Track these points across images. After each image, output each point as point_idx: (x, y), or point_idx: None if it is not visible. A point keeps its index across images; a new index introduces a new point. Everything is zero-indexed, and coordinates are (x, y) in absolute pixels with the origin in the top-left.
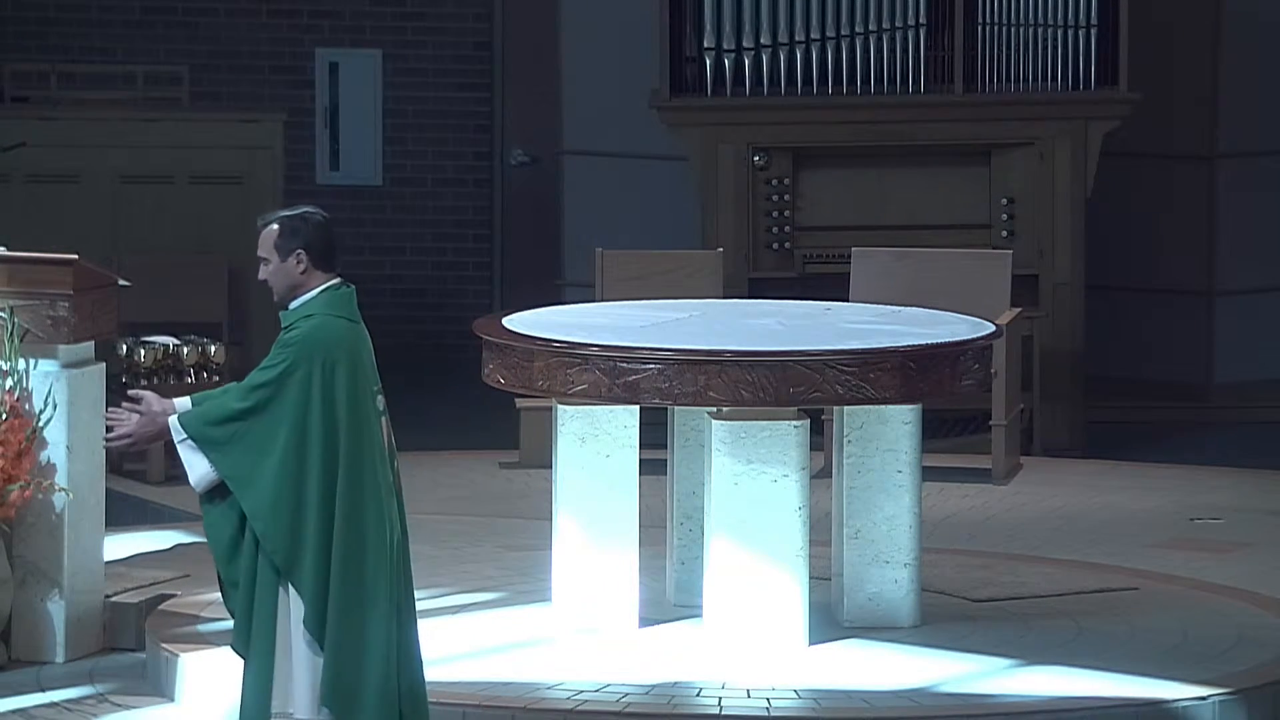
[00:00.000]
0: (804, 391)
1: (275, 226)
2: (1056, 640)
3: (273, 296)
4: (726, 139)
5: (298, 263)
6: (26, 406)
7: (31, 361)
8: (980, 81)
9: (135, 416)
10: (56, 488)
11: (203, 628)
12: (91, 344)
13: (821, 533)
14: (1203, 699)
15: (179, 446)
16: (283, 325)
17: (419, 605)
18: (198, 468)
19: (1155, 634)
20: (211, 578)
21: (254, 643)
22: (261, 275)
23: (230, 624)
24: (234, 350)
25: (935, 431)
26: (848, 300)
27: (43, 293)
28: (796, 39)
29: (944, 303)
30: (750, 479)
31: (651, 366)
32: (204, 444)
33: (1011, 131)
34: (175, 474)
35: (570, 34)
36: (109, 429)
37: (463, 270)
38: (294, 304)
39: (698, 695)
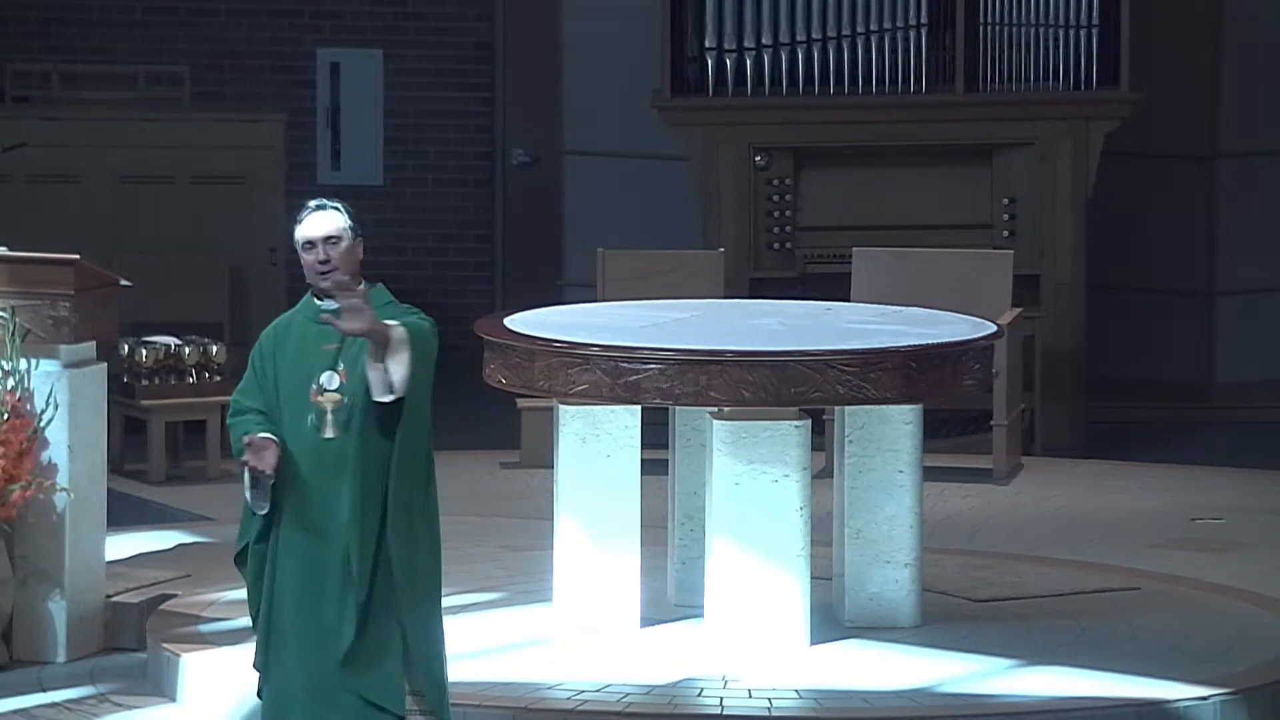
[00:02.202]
0: (805, 392)
1: (342, 211)
2: (1057, 640)
3: (328, 280)
4: (727, 139)
5: (361, 250)
6: (28, 406)
7: (33, 361)
8: (981, 81)
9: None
10: (58, 488)
11: (204, 628)
12: (93, 344)
13: (823, 533)
14: (1204, 699)
15: (399, 346)
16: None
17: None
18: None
19: (1156, 634)
20: (213, 578)
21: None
22: (325, 255)
23: (226, 624)
24: (235, 350)
25: (936, 431)
26: (849, 300)
27: (44, 293)
28: (798, 39)
29: (945, 303)
30: (751, 479)
31: (653, 366)
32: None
33: (1012, 131)
34: (176, 474)
35: (571, 34)
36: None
37: (464, 270)
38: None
39: (699, 695)
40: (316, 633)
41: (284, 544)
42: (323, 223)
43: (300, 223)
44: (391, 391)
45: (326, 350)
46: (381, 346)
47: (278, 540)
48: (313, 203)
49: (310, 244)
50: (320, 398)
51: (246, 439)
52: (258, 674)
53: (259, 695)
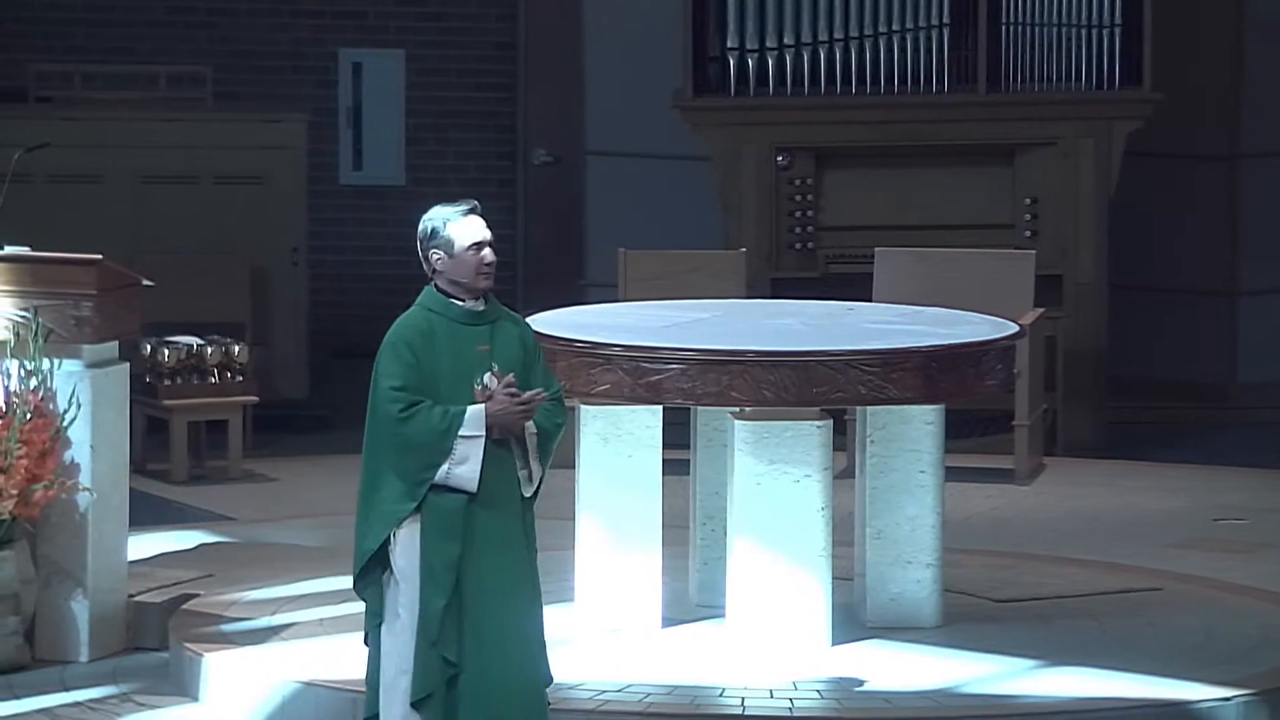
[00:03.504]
0: (826, 392)
1: None
2: (1079, 641)
3: (490, 280)
4: (749, 139)
5: None
6: (51, 406)
7: (55, 361)
8: (1003, 81)
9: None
10: (80, 487)
11: (226, 627)
12: (115, 344)
13: (844, 533)
14: (1226, 700)
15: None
16: (499, 315)
17: None
18: None
19: (1178, 634)
20: (234, 578)
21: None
22: (493, 257)
23: (248, 624)
24: (257, 350)
25: (958, 432)
26: (870, 300)
27: (66, 293)
28: (820, 39)
29: (967, 303)
30: (773, 479)
31: (674, 366)
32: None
33: (1034, 131)
34: (198, 474)
35: (593, 34)
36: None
37: None
38: (484, 300)
39: (720, 695)
40: (510, 625)
41: (472, 540)
42: (484, 226)
43: (453, 222)
44: (531, 486)
45: (481, 352)
46: (520, 444)
47: (468, 535)
48: (464, 204)
49: (480, 244)
50: (484, 398)
51: (523, 396)
52: (445, 668)
53: (415, 705)
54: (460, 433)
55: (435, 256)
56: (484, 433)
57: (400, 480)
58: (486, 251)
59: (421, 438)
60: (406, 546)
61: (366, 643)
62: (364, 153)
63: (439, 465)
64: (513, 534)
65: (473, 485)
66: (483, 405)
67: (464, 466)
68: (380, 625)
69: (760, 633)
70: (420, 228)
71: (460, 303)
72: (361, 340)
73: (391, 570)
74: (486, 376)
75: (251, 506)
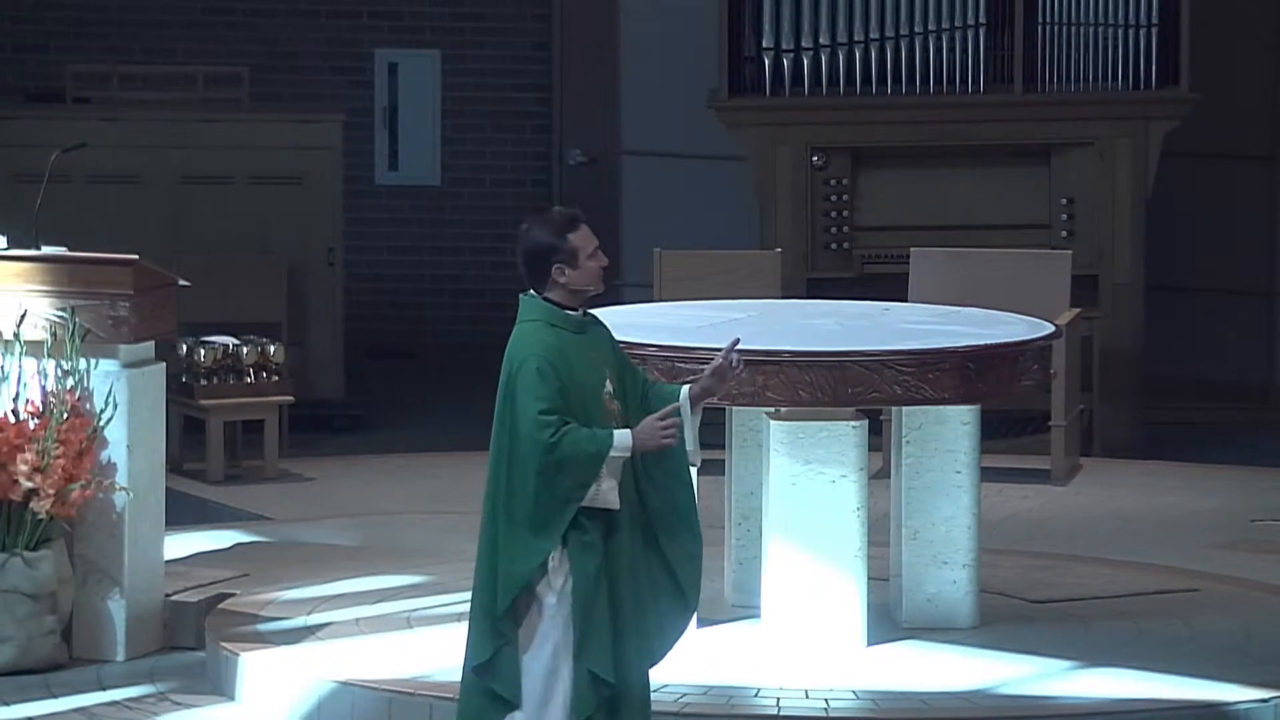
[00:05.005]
0: (862, 392)
1: None
2: (1116, 642)
3: (599, 288)
4: (785, 139)
5: None
6: (87, 406)
7: (92, 361)
8: (1040, 81)
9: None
10: (117, 487)
11: (262, 627)
12: (152, 344)
13: (880, 533)
14: (1264, 701)
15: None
16: (596, 323)
17: (468, 606)
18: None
19: (1216, 636)
20: (271, 577)
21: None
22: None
23: (285, 624)
24: (293, 350)
25: (994, 432)
26: (906, 301)
27: (103, 293)
28: (856, 39)
29: (1003, 303)
30: (808, 479)
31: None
32: None
33: (1071, 131)
34: (234, 473)
35: (628, 34)
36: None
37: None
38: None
39: (756, 695)
40: (645, 628)
41: (618, 545)
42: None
43: (572, 234)
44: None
45: (594, 357)
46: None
47: (614, 540)
48: (566, 211)
49: (597, 249)
50: (612, 405)
51: (663, 421)
52: (599, 684)
53: (579, 713)
54: (610, 454)
55: (557, 270)
56: (629, 453)
57: (546, 506)
58: (601, 254)
59: (574, 460)
60: (564, 567)
61: (473, 668)
62: (400, 153)
63: (589, 486)
64: (636, 542)
65: (615, 503)
66: (630, 431)
67: (607, 483)
68: (507, 645)
69: (795, 633)
70: (528, 246)
71: (573, 312)
72: (397, 340)
73: (535, 592)
74: (608, 384)
75: (287, 506)
